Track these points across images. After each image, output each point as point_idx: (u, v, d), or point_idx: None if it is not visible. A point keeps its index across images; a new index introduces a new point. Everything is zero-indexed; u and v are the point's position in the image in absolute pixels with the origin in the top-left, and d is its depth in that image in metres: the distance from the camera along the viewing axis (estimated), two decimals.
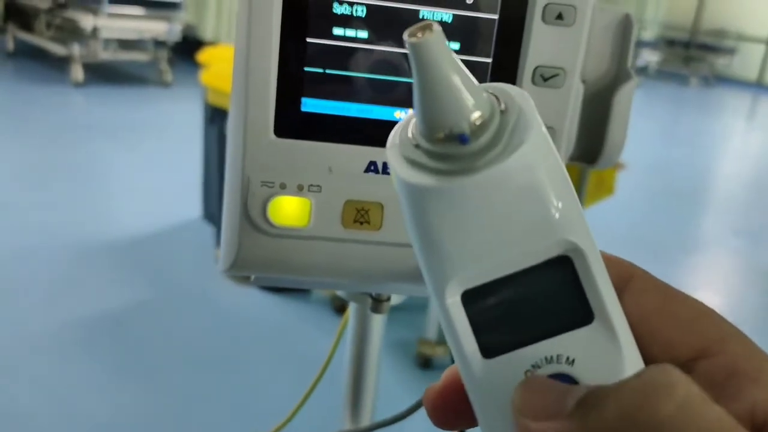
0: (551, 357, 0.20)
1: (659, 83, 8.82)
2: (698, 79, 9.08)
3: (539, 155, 0.20)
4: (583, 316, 0.20)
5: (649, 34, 9.14)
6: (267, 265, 0.40)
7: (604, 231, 2.81)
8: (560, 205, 0.20)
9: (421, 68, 0.19)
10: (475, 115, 0.19)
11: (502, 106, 0.20)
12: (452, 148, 0.19)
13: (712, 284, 2.72)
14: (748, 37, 9.36)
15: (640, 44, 8.47)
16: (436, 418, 0.24)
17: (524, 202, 0.19)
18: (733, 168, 5.03)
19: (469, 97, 0.19)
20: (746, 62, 9.40)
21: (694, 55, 9.36)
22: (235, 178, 0.38)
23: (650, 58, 8.74)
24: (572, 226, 0.20)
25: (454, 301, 0.21)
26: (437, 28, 0.19)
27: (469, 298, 0.21)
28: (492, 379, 0.21)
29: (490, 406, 0.21)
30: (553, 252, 0.20)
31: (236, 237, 0.39)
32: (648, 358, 0.22)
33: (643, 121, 5.92)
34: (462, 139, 0.19)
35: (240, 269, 0.41)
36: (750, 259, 3.06)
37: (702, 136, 5.93)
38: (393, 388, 1.57)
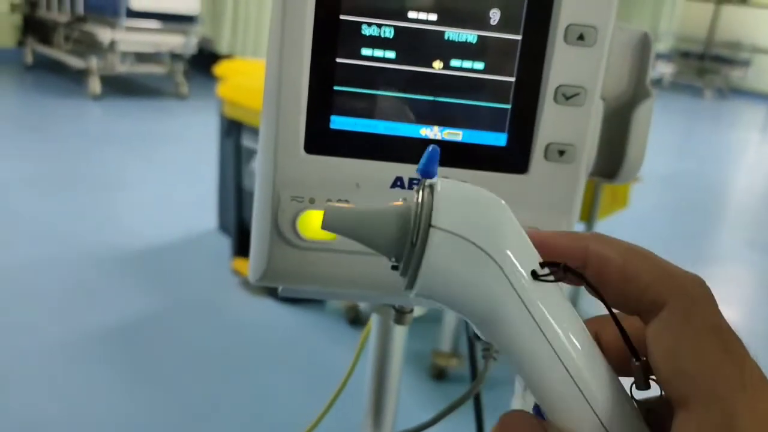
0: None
1: (673, 95, 8.79)
2: (713, 91, 9.03)
3: (438, 281, 0.23)
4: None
5: (663, 46, 9.12)
6: (295, 277, 0.41)
7: None
8: (472, 317, 0.24)
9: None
10: (391, 245, 0.24)
11: (418, 217, 0.23)
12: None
13: (726, 297, 2.70)
14: (763, 49, 9.31)
15: (655, 56, 8.44)
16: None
17: (449, 308, 0.25)
18: (747, 180, 5.00)
19: (380, 235, 0.24)
20: (761, 74, 9.34)
21: (708, 67, 9.31)
22: (266, 193, 0.40)
23: (664, 70, 8.71)
24: (489, 333, 0.24)
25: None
26: (326, 208, 0.25)
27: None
28: None
29: None
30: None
31: (266, 249, 0.40)
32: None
33: (657, 133, 5.87)
34: (393, 267, 0.25)
35: (269, 280, 0.42)
36: (765, 271, 3.03)
37: (716, 149, 5.90)
38: (407, 399, 1.57)
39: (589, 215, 1.92)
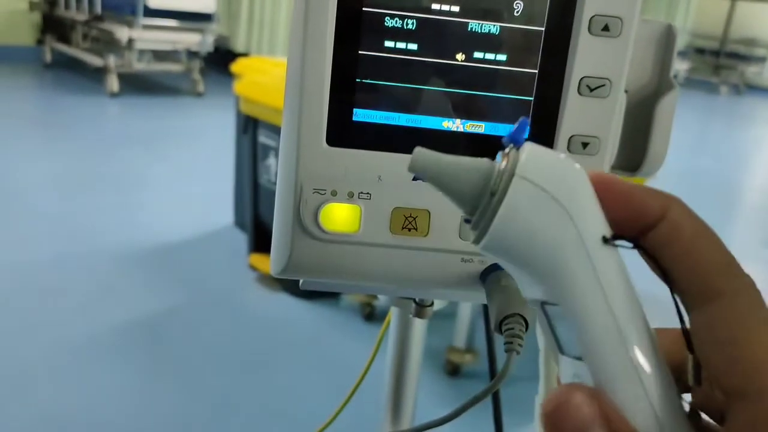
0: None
1: (689, 92, 8.70)
2: (728, 87, 8.94)
3: (512, 228, 0.23)
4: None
5: (678, 43, 9.01)
6: (317, 270, 0.42)
7: None
8: (536, 270, 0.24)
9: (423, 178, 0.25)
10: (470, 195, 0.24)
11: (502, 174, 0.24)
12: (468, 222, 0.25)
13: None
14: None
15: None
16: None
17: (513, 262, 0.24)
18: (763, 178, 4.94)
19: (461, 185, 0.24)
20: None
21: (724, 63, 9.22)
22: (288, 185, 0.40)
23: (679, 66, 8.63)
24: (551, 289, 0.24)
25: (535, 304, 0.26)
26: (417, 150, 0.25)
27: (544, 308, 0.25)
28: (564, 373, 0.25)
29: None
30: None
31: (288, 242, 0.41)
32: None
33: (673, 130, 5.84)
34: (466, 220, 0.25)
35: (291, 273, 0.42)
36: None
37: (732, 146, 5.84)
38: (422, 395, 1.57)
39: None
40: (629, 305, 0.23)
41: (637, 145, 0.47)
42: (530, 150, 0.23)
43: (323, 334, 1.94)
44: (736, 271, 0.23)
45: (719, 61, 9.29)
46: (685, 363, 0.24)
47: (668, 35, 0.46)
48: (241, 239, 2.41)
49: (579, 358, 0.24)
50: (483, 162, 0.24)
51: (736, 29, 9.52)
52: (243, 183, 2.38)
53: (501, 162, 0.24)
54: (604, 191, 0.24)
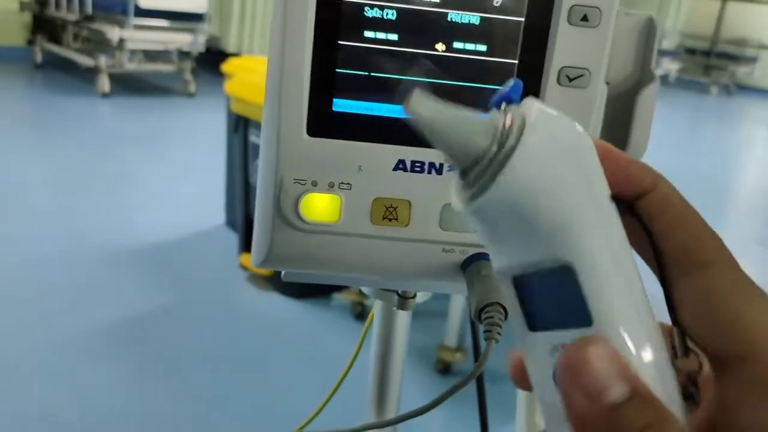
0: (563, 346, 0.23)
1: (679, 92, 8.75)
2: (719, 87, 8.99)
3: (527, 176, 0.22)
4: (586, 319, 0.22)
5: (669, 43, 9.08)
6: (298, 260, 0.42)
7: None
8: (550, 224, 0.22)
9: (419, 127, 0.22)
10: (472, 147, 0.22)
11: (509, 127, 0.22)
12: (460, 180, 0.23)
13: None
14: None
15: (661, 53, 8.41)
16: (515, 376, 0.26)
17: (517, 219, 0.22)
18: (754, 177, 4.97)
19: (462, 136, 0.22)
20: (767, 71, 9.30)
21: (714, 63, 9.27)
22: (269, 176, 0.40)
23: (670, 66, 8.67)
24: (565, 244, 0.22)
25: (504, 281, 0.24)
26: (416, 93, 0.22)
27: (517, 282, 0.24)
28: (535, 350, 0.24)
29: (534, 373, 0.24)
30: (553, 264, 0.22)
31: (269, 232, 0.41)
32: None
33: (663, 129, 5.87)
34: (460, 174, 0.23)
35: (272, 264, 0.42)
36: None
37: (723, 145, 5.87)
38: (413, 393, 1.57)
39: None
40: (633, 264, 0.23)
41: (618, 136, 0.47)
42: (539, 105, 0.23)
43: (314, 333, 1.94)
44: (723, 244, 0.24)
45: (710, 62, 9.34)
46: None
47: (649, 27, 0.47)
48: (232, 239, 2.40)
49: (558, 328, 0.23)
50: (486, 117, 0.23)
51: (727, 29, 9.58)
52: (234, 182, 2.38)
53: (504, 115, 0.23)
54: (604, 157, 0.24)
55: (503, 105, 0.23)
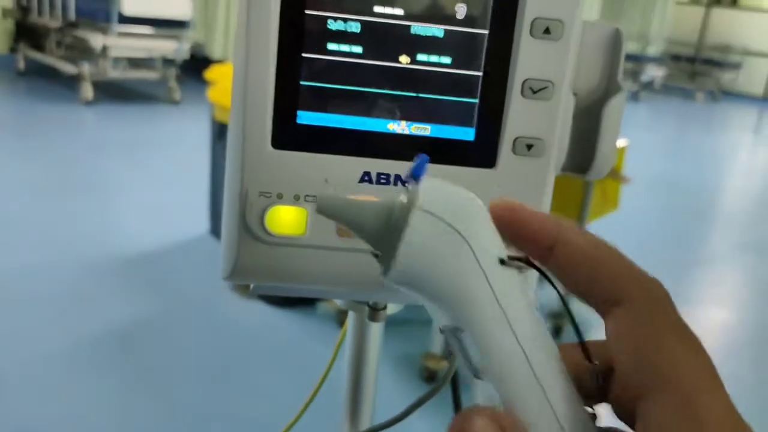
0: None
1: (665, 98, 8.83)
2: (704, 94, 9.07)
3: (413, 260, 0.24)
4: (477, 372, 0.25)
5: (654, 50, 9.16)
6: (265, 273, 0.41)
7: None
8: (438, 295, 0.25)
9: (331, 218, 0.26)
10: (373, 230, 0.25)
11: (403, 208, 0.25)
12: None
13: (718, 299, 2.71)
14: (754, 51, 9.37)
15: (646, 59, 8.49)
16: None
17: (416, 291, 0.25)
18: (739, 183, 5.02)
19: (366, 223, 0.25)
20: (752, 77, 9.40)
21: (699, 70, 9.36)
22: (234, 189, 0.40)
23: (656, 73, 8.75)
24: (452, 310, 0.25)
25: (449, 335, 0.26)
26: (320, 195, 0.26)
27: (457, 335, 0.26)
28: (481, 395, 0.26)
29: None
30: (452, 324, 0.25)
31: (235, 246, 0.40)
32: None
33: (648, 135, 5.92)
34: (374, 255, 0.26)
35: (239, 277, 0.42)
36: (756, 273, 3.04)
37: (708, 151, 5.92)
38: (397, 401, 1.57)
39: (578, 218, 1.93)
40: (530, 323, 0.24)
41: (586, 147, 0.47)
42: (427, 184, 0.25)
43: (299, 342, 1.93)
44: (638, 277, 0.24)
45: (695, 68, 9.43)
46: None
47: (616, 38, 0.47)
48: (217, 247, 2.38)
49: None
50: (385, 199, 0.25)
51: (711, 36, 9.69)
52: (218, 191, 2.37)
53: (401, 198, 0.25)
54: (508, 220, 0.26)
55: (409, 183, 0.26)
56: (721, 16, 9.76)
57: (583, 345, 0.25)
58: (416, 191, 0.25)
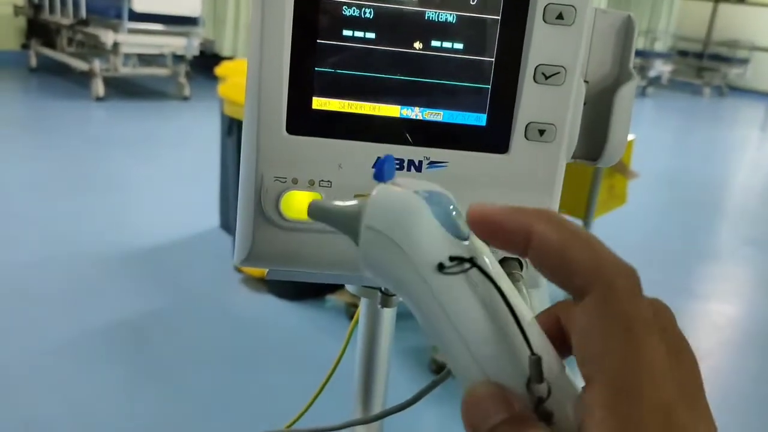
0: None
1: (672, 94, 8.78)
2: (711, 89, 9.01)
3: (369, 259, 0.27)
4: None
5: (661, 45, 9.11)
6: (280, 258, 0.42)
7: (615, 240, 2.79)
8: (394, 290, 0.28)
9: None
10: (351, 235, 0.29)
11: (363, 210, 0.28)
12: None
13: (724, 293, 2.70)
14: (761, 47, 9.29)
15: (653, 55, 8.44)
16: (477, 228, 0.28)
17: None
18: (746, 178, 4.99)
19: (344, 227, 0.29)
20: (760, 72, 9.33)
21: (707, 65, 9.30)
22: (249, 174, 0.40)
23: (663, 68, 8.69)
24: (406, 299, 0.28)
25: None
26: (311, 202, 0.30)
27: None
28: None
29: None
30: None
31: (250, 231, 0.41)
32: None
33: (656, 131, 5.90)
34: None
35: (254, 262, 0.42)
36: (762, 268, 3.03)
37: (715, 147, 5.89)
38: (407, 392, 1.58)
39: (586, 212, 1.92)
40: (472, 317, 0.26)
41: (598, 134, 0.47)
42: (374, 196, 0.28)
43: (309, 335, 1.94)
44: (603, 270, 0.24)
45: (702, 63, 9.37)
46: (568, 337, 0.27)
47: (627, 26, 0.47)
48: (227, 241, 2.40)
49: None
50: (355, 205, 0.28)
51: (719, 31, 9.62)
52: (228, 185, 2.38)
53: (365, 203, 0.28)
54: (476, 227, 0.27)
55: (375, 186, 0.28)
56: (729, 11, 9.68)
57: (525, 335, 0.25)
58: (365, 205, 0.27)
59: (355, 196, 0.30)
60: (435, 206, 0.27)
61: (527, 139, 0.41)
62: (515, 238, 0.26)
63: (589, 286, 0.24)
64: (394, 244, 0.26)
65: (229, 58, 4.81)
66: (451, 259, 0.26)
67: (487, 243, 0.27)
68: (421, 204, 0.27)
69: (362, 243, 0.27)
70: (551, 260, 0.25)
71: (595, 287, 0.24)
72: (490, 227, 0.27)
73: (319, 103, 0.40)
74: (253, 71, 0.39)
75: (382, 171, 0.28)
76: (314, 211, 0.30)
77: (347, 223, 0.28)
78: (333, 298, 2.10)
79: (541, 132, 0.41)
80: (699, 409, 0.23)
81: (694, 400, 0.24)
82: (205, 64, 4.83)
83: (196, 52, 4.96)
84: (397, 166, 0.41)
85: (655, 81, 8.70)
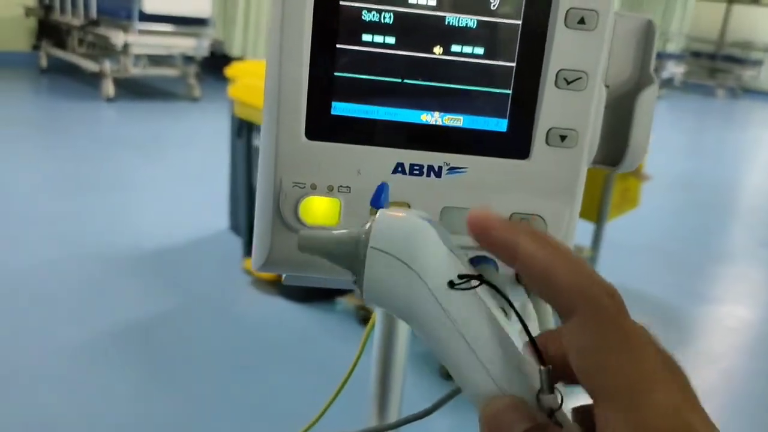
0: None
1: (685, 95, 8.73)
2: (725, 90, 8.96)
3: (374, 288, 0.28)
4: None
5: (674, 47, 9.06)
6: (298, 264, 0.42)
7: (629, 243, 2.79)
8: (398, 314, 0.28)
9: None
10: (347, 264, 0.29)
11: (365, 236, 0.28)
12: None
13: (737, 296, 2.67)
14: None
15: (666, 56, 8.39)
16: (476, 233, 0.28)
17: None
18: (759, 180, 4.95)
19: (339, 257, 0.29)
20: None
21: (720, 67, 9.24)
22: (268, 179, 0.40)
23: (676, 70, 8.65)
24: (411, 324, 0.28)
25: None
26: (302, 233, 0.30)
27: None
28: None
29: None
30: None
31: (269, 236, 0.41)
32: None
33: (669, 133, 5.86)
34: (354, 281, 0.29)
35: (272, 267, 0.42)
36: None
37: (728, 148, 5.85)
38: (417, 399, 1.57)
39: (599, 216, 1.91)
40: (484, 333, 0.26)
41: (618, 139, 0.47)
42: (379, 220, 0.28)
43: (318, 338, 1.93)
44: (587, 290, 0.25)
45: (715, 65, 9.31)
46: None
47: (648, 30, 0.46)
48: (236, 243, 2.41)
49: None
50: (351, 235, 0.29)
51: (732, 32, 9.55)
52: (237, 187, 2.38)
53: (366, 226, 0.28)
54: (472, 232, 0.28)
55: (373, 213, 0.29)
56: (742, 12, 9.62)
57: (536, 347, 0.26)
58: (370, 230, 0.28)
59: (302, 230, 0.31)
60: (436, 228, 0.28)
61: (548, 144, 0.40)
62: (503, 252, 0.27)
63: (575, 306, 0.25)
64: (402, 265, 0.27)
65: (239, 59, 4.82)
66: (460, 277, 0.27)
67: (485, 249, 0.28)
68: (427, 225, 0.28)
69: (368, 266, 0.27)
70: (536, 277, 0.26)
71: (582, 307, 0.25)
72: (484, 236, 0.28)
73: (338, 108, 0.39)
74: (273, 76, 0.39)
75: (379, 198, 0.29)
76: (305, 242, 0.29)
77: (344, 250, 0.28)
78: (343, 301, 2.09)
79: (563, 137, 0.40)
80: (701, 412, 0.24)
81: (695, 404, 0.24)
82: (215, 65, 4.84)
83: (206, 53, 4.98)
84: (417, 172, 0.40)
85: (668, 83, 8.65)
